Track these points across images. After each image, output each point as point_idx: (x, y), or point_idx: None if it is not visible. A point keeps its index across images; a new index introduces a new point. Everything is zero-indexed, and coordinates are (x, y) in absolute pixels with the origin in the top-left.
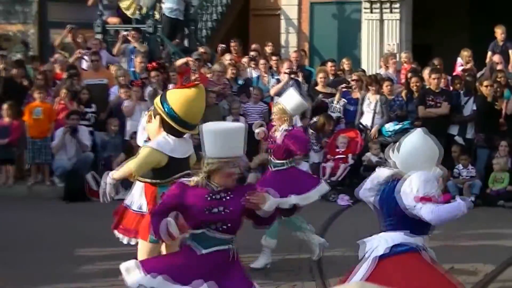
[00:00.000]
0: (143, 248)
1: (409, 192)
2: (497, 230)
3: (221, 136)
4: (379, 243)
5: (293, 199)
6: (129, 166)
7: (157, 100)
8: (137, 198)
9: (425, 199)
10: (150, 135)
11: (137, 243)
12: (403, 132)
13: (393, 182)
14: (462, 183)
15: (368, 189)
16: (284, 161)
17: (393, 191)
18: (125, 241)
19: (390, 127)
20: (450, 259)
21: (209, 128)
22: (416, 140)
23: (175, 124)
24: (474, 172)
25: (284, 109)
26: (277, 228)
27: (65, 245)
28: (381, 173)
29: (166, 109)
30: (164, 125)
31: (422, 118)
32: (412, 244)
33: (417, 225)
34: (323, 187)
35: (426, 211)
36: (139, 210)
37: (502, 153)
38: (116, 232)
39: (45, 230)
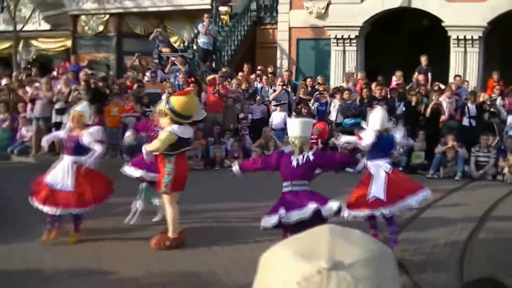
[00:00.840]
0: (165, 198)
1: (401, 139)
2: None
3: (310, 124)
4: (383, 165)
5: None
6: (156, 144)
7: (164, 104)
8: (61, 179)
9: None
10: (163, 126)
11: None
12: (357, 125)
13: (383, 134)
14: (395, 159)
15: (370, 143)
16: None
17: (387, 138)
18: (44, 210)
19: (348, 121)
20: None
21: (305, 120)
22: (382, 112)
23: (178, 118)
24: (402, 152)
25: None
26: (150, 193)
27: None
28: (367, 134)
29: (171, 110)
30: (171, 119)
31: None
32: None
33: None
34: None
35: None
36: (65, 189)
37: (420, 139)
38: (35, 202)
39: (119, 191)
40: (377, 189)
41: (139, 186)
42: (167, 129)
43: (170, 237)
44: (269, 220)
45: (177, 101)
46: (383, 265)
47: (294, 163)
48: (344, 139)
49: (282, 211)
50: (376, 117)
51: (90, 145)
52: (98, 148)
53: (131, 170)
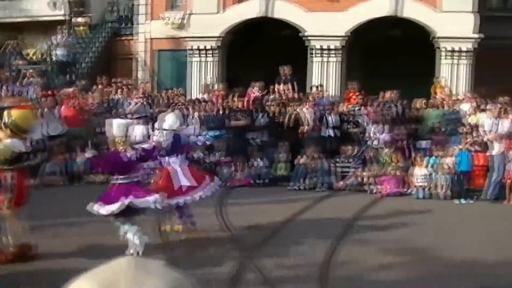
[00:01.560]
0: (7, 213)
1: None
2: (284, 196)
3: (125, 125)
4: (179, 160)
5: None
6: None
7: (4, 117)
8: None
9: None
10: (2, 138)
11: None
12: (220, 136)
13: (175, 135)
14: (256, 171)
15: (169, 142)
16: None
17: (179, 138)
18: None
19: (211, 133)
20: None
21: (122, 122)
22: (173, 115)
23: (18, 131)
24: (267, 163)
25: None
26: None
27: None
28: (163, 135)
29: (12, 123)
30: (10, 131)
31: (231, 128)
32: None
33: None
34: None
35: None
36: None
37: (282, 150)
38: None
39: None
40: (183, 179)
41: None
42: (3, 142)
43: (12, 251)
44: (110, 208)
45: (17, 114)
46: None
47: (126, 158)
48: (143, 145)
49: (125, 199)
50: (169, 120)
51: None
52: None
53: None
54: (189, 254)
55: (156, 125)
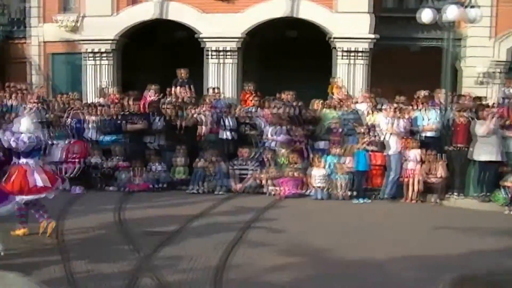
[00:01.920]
0: None
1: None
2: (183, 200)
3: None
4: (34, 161)
5: None
6: None
7: None
8: None
9: None
10: None
11: None
12: (117, 141)
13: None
14: (155, 176)
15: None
16: None
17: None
18: None
19: (106, 137)
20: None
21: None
22: (27, 118)
23: None
24: (165, 167)
25: None
26: None
27: None
28: (22, 138)
29: None
30: None
31: (128, 132)
32: None
33: None
34: None
35: None
36: None
37: (180, 154)
38: None
39: None
40: (38, 179)
41: None
42: None
43: None
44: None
45: None
46: None
47: None
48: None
49: None
50: (24, 124)
51: None
52: None
53: None
54: (83, 258)
55: (13, 128)
